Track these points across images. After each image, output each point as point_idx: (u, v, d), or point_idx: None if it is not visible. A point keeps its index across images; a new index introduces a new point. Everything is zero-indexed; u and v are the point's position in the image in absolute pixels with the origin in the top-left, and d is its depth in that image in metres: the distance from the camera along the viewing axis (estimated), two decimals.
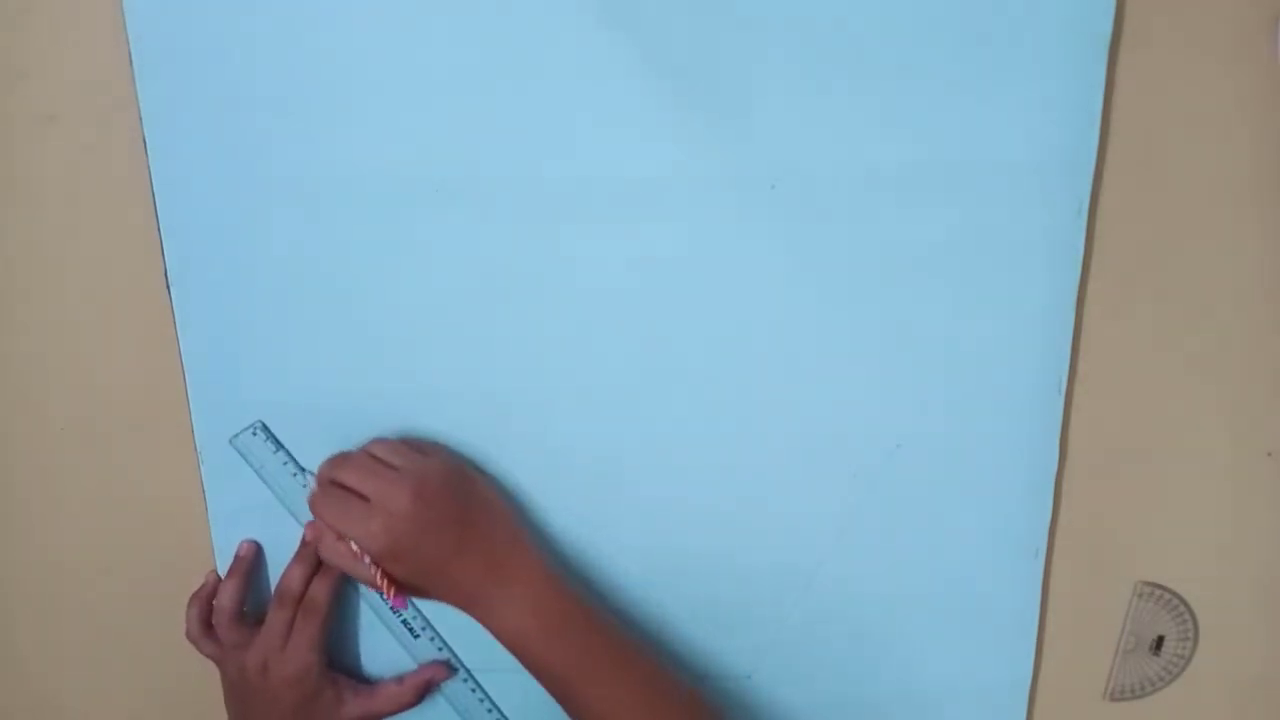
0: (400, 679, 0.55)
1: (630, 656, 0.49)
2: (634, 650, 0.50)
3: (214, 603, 0.53)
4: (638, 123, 0.47)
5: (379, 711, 0.54)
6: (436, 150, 0.48)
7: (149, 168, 0.49)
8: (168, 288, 0.51)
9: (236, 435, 0.52)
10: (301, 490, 0.53)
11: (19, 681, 0.60)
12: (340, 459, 0.49)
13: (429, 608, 0.55)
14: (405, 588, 0.48)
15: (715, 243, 0.49)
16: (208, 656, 0.53)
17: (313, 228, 0.49)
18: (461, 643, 0.56)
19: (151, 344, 0.52)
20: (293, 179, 0.49)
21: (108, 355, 0.53)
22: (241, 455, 0.53)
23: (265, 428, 0.53)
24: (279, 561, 0.54)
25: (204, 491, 0.54)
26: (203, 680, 0.55)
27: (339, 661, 0.55)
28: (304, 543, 0.53)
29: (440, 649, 0.55)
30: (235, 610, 0.53)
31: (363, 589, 0.55)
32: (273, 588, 0.53)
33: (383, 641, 0.56)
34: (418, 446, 0.50)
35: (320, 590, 0.52)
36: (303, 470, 0.53)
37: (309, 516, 0.53)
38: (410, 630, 0.55)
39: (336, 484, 0.48)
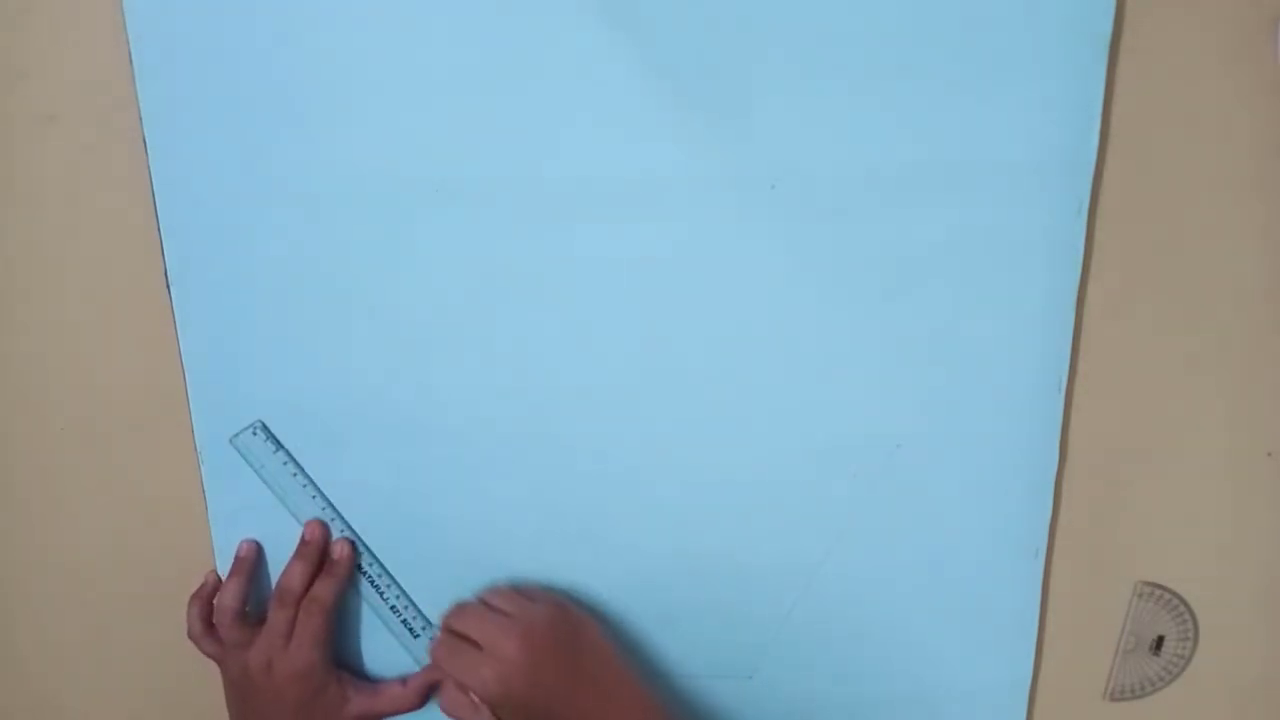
0: (404, 680, 0.55)
1: None
2: None
3: (216, 602, 0.53)
4: (638, 123, 0.47)
5: (382, 711, 0.54)
6: (436, 150, 0.48)
7: (149, 168, 0.49)
8: (168, 288, 0.51)
9: (236, 435, 0.52)
10: (301, 490, 0.53)
11: (19, 681, 0.60)
12: (458, 608, 0.51)
13: (428, 606, 0.55)
14: None
15: (715, 243, 0.49)
16: (209, 656, 0.53)
17: (313, 228, 0.49)
18: None
19: (151, 344, 0.52)
20: (293, 179, 0.49)
21: (108, 355, 0.53)
22: (241, 455, 0.53)
23: (265, 428, 0.53)
24: (279, 561, 0.54)
25: (204, 491, 0.54)
26: (203, 680, 0.55)
27: (339, 661, 0.55)
28: (303, 541, 0.53)
29: None
30: (238, 609, 0.53)
31: (362, 588, 0.55)
32: (272, 587, 0.54)
33: (383, 641, 0.56)
34: (529, 593, 0.52)
35: (323, 589, 0.52)
36: (302, 470, 0.53)
37: (309, 516, 0.53)
38: (410, 630, 0.55)
39: (454, 632, 0.50)
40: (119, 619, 0.58)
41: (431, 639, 0.51)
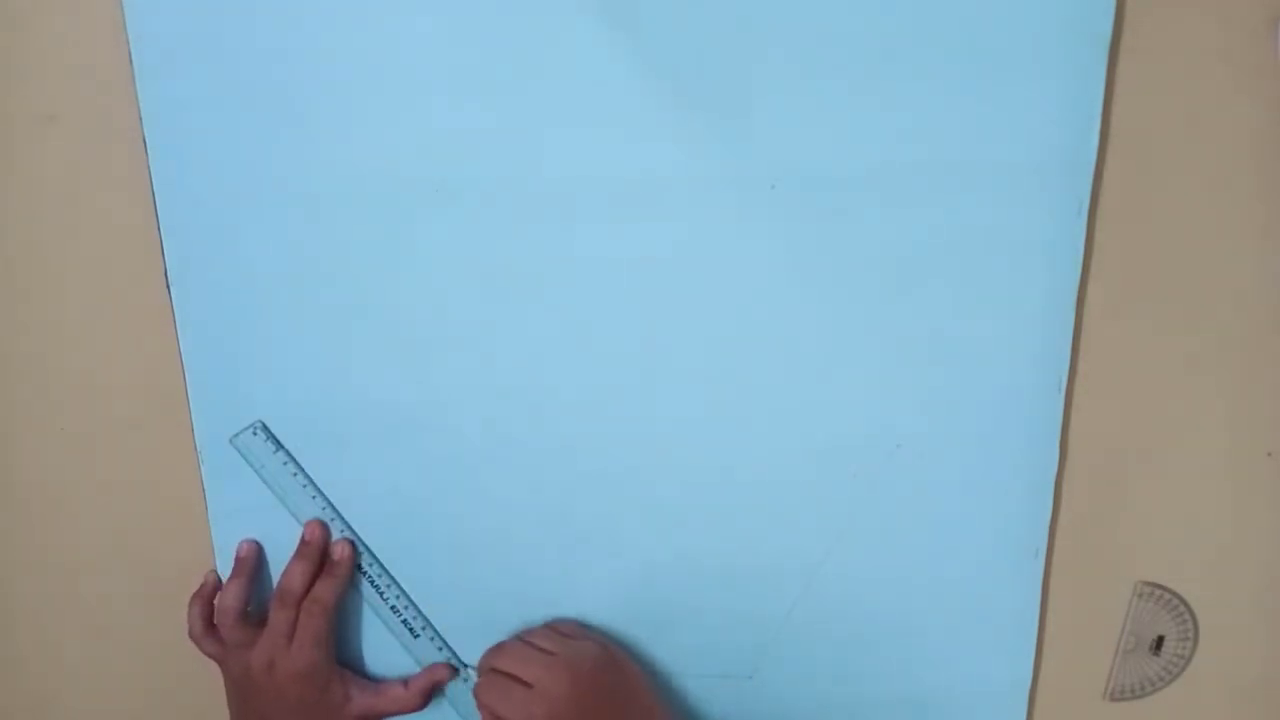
0: (405, 682, 0.55)
1: None
2: None
3: (217, 603, 0.53)
4: (638, 123, 0.47)
5: (384, 711, 0.54)
6: (436, 150, 0.48)
7: (149, 168, 0.49)
8: (168, 288, 0.51)
9: (236, 435, 0.52)
10: (301, 490, 0.53)
11: (19, 681, 0.60)
12: (497, 648, 0.52)
13: (428, 606, 0.55)
14: None
15: (715, 243, 0.49)
16: (210, 656, 0.53)
17: (313, 227, 0.49)
18: (461, 643, 0.56)
19: (151, 344, 0.52)
20: (293, 179, 0.49)
21: (108, 355, 0.53)
22: (241, 455, 0.53)
23: (265, 428, 0.53)
24: (279, 561, 0.54)
25: (204, 491, 0.54)
26: (203, 680, 0.55)
27: (339, 660, 0.55)
28: (304, 541, 0.53)
29: (440, 649, 0.55)
30: (239, 609, 0.53)
31: (363, 588, 0.55)
32: (273, 587, 0.54)
33: (383, 641, 0.56)
34: (565, 630, 0.53)
35: (324, 589, 0.52)
36: (302, 470, 0.53)
37: (309, 516, 0.53)
38: (410, 630, 0.55)
39: (497, 671, 0.50)
40: (119, 619, 0.58)
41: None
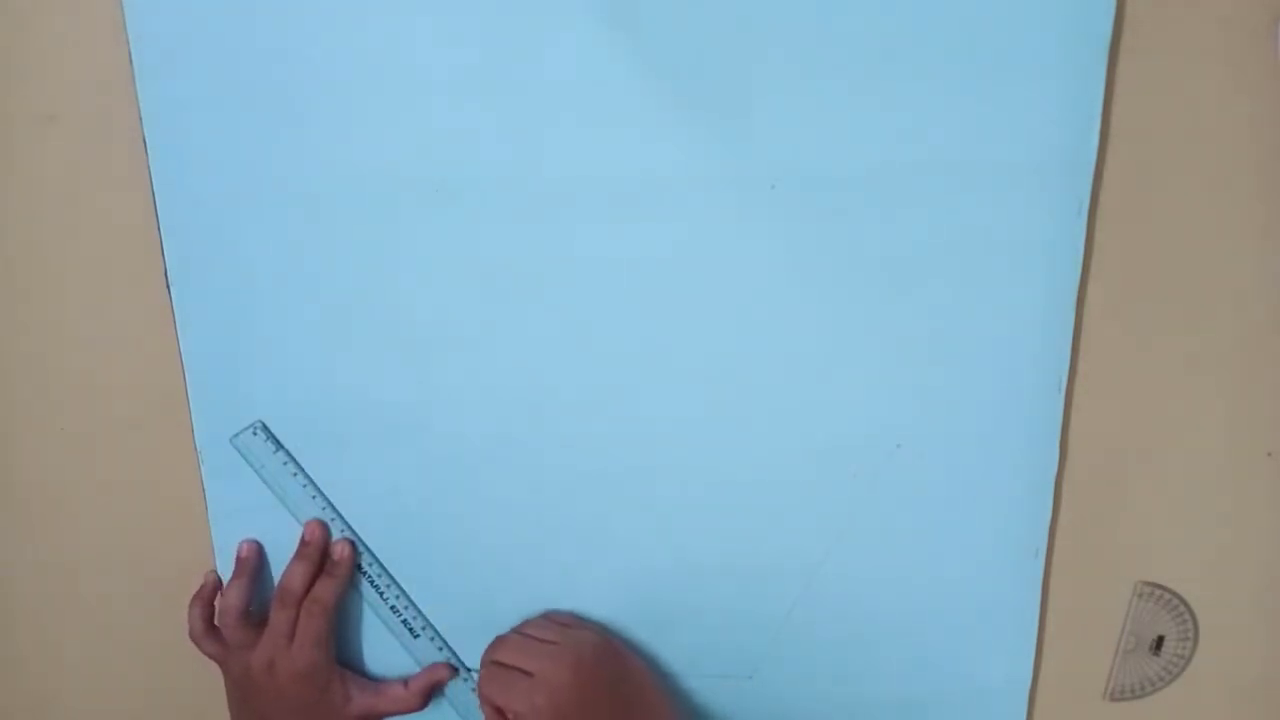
0: (406, 682, 0.55)
1: None
2: None
3: (219, 603, 0.53)
4: (638, 123, 0.47)
5: (384, 711, 0.54)
6: (436, 150, 0.48)
7: (149, 168, 0.49)
8: (168, 288, 0.51)
9: (236, 435, 0.52)
10: (301, 490, 0.53)
11: (19, 681, 0.60)
12: (498, 642, 0.51)
13: (428, 606, 0.55)
14: None
15: (715, 243, 0.49)
16: (210, 657, 0.53)
17: (312, 227, 0.49)
18: (461, 642, 0.56)
19: (151, 344, 0.52)
20: (292, 179, 0.49)
21: (108, 355, 0.53)
22: (241, 455, 0.53)
23: (265, 428, 0.53)
24: (280, 561, 0.54)
25: (204, 491, 0.54)
26: (203, 680, 0.55)
27: (340, 660, 0.55)
28: (304, 542, 0.53)
29: (440, 649, 0.55)
30: (241, 609, 0.53)
31: (363, 588, 0.55)
32: (272, 587, 0.54)
33: (383, 641, 0.56)
34: (564, 621, 0.53)
35: (324, 589, 0.52)
36: (302, 470, 0.53)
37: (309, 516, 0.53)
38: (410, 630, 0.55)
39: (497, 664, 0.50)
40: (119, 619, 0.58)
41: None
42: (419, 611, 0.55)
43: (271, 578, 0.55)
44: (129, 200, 0.50)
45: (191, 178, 0.49)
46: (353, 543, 0.54)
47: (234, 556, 0.54)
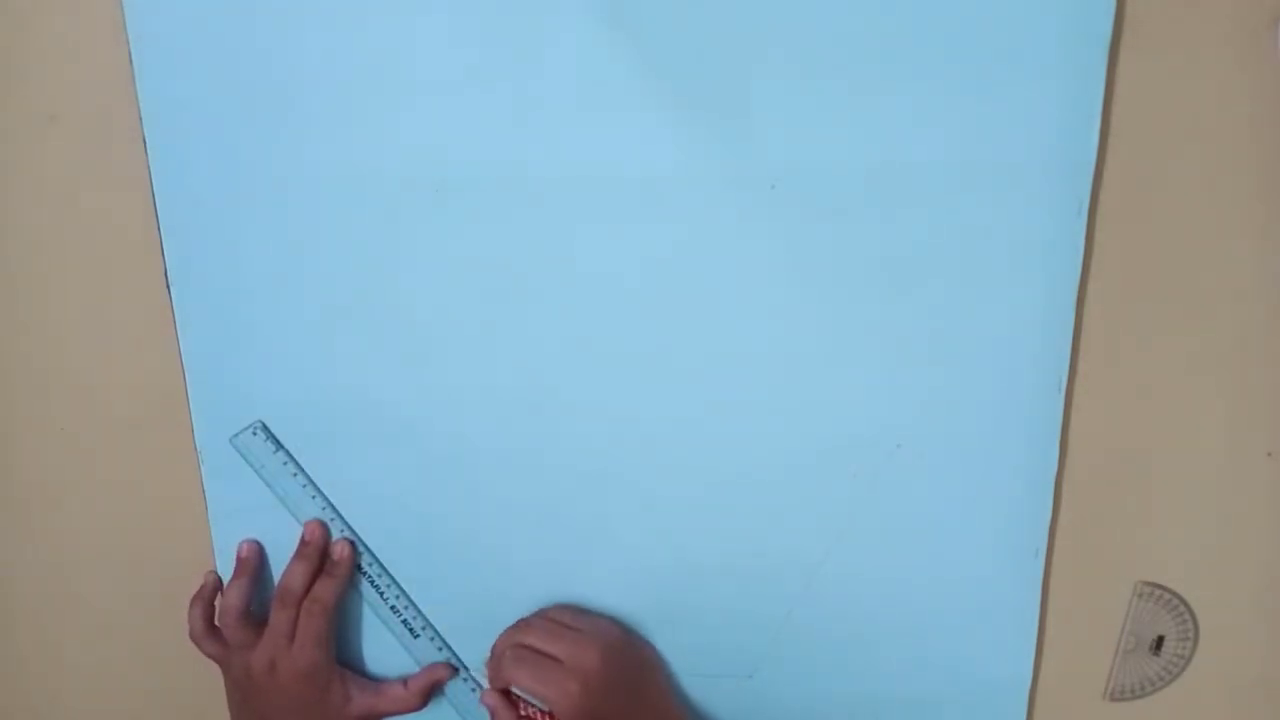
0: (405, 682, 0.55)
1: None
2: None
3: (220, 602, 0.53)
4: (638, 123, 0.47)
5: (385, 711, 0.54)
6: (436, 150, 0.48)
7: (149, 168, 0.49)
8: (168, 288, 0.51)
9: (236, 435, 0.52)
10: (301, 490, 0.53)
11: (19, 681, 0.60)
12: (523, 624, 0.52)
13: (428, 606, 0.55)
14: None
15: (715, 243, 0.49)
16: (211, 657, 0.53)
17: (312, 227, 0.49)
18: (461, 642, 0.56)
19: (151, 344, 0.52)
20: (293, 179, 0.49)
21: (108, 355, 0.53)
22: (241, 455, 0.53)
23: (265, 428, 0.53)
24: (280, 561, 0.54)
25: (204, 491, 0.54)
26: (203, 680, 0.55)
27: (340, 660, 0.55)
28: (304, 542, 0.53)
29: (440, 649, 0.55)
30: (242, 609, 0.53)
31: (363, 588, 0.55)
32: (272, 587, 0.54)
33: (383, 641, 0.56)
34: (583, 610, 0.53)
35: (324, 589, 0.52)
36: (302, 470, 0.53)
37: (309, 516, 0.53)
38: (410, 630, 0.55)
39: (524, 647, 0.50)
40: (119, 619, 0.58)
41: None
42: (419, 611, 0.55)
43: (272, 578, 0.55)
44: (129, 200, 0.50)
45: (191, 178, 0.49)
46: (352, 543, 0.54)
47: (234, 556, 0.54)
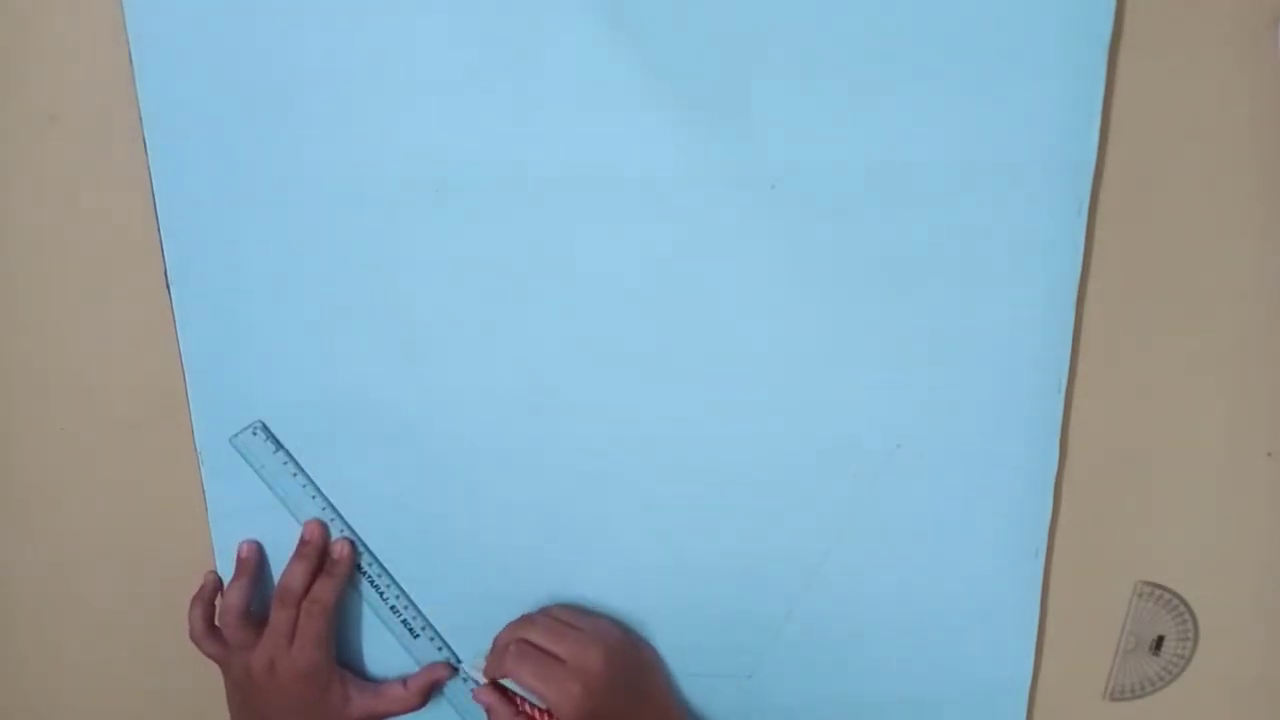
0: (405, 682, 0.55)
1: None
2: None
3: (221, 602, 0.53)
4: (638, 123, 0.47)
5: (384, 711, 0.54)
6: (436, 150, 0.48)
7: (149, 168, 0.49)
8: (168, 288, 0.51)
9: (236, 435, 0.52)
10: (301, 490, 0.53)
11: (19, 681, 0.60)
12: (526, 621, 0.52)
13: (428, 606, 0.55)
14: None
15: (715, 243, 0.49)
16: (211, 658, 0.53)
17: (312, 227, 0.49)
18: (461, 642, 0.56)
19: (151, 344, 0.52)
20: (293, 179, 0.49)
21: (108, 355, 0.53)
22: (241, 455, 0.53)
23: (265, 428, 0.53)
24: (280, 561, 0.54)
25: (204, 491, 0.54)
26: (203, 680, 0.55)
27: (339, 661, 0.55)
28: (303, 541, 0.53)
29: (440, 649, 0.55)
30: (243, 609, 0.53)
31: (362, 588, 0.55)
32: (272, 587, 0.54)
33: (383, 641, 0.56)
34: (585, 611, 0.53)
35: (324, 589, 0.52)
36: (302, 470, 0.53)
37: (309, 516, 0.53)
38: (410, 630, 0.55)
39: (527, 643, 0.50)
40: (119, 619, 0.58)
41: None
42: (419, 612, 0.55)
43: (272, 578, 0.55)
44: (129, 200, 0.50)
45: (191, 178, 0.49)
46: (352, 542, 0.54)
47: (234, 557, 0.54)
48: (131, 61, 0.47)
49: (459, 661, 0.56)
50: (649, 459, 0.52)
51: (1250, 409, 0.51)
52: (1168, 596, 0.54)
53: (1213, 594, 0.54)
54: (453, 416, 0.52)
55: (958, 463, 0.51)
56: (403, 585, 0.55)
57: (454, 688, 0.56)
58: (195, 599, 0.54)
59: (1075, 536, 0.53)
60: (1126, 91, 0.46)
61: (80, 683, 0.60)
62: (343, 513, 0.54)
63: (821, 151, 0.47)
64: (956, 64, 0.45)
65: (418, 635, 0.55)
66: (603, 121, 0.47)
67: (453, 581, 0.55)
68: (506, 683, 0.51)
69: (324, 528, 0.53)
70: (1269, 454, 0.52)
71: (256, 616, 0.53)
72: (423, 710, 0.55)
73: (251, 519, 0.54)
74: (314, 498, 0.53)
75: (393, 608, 0.55)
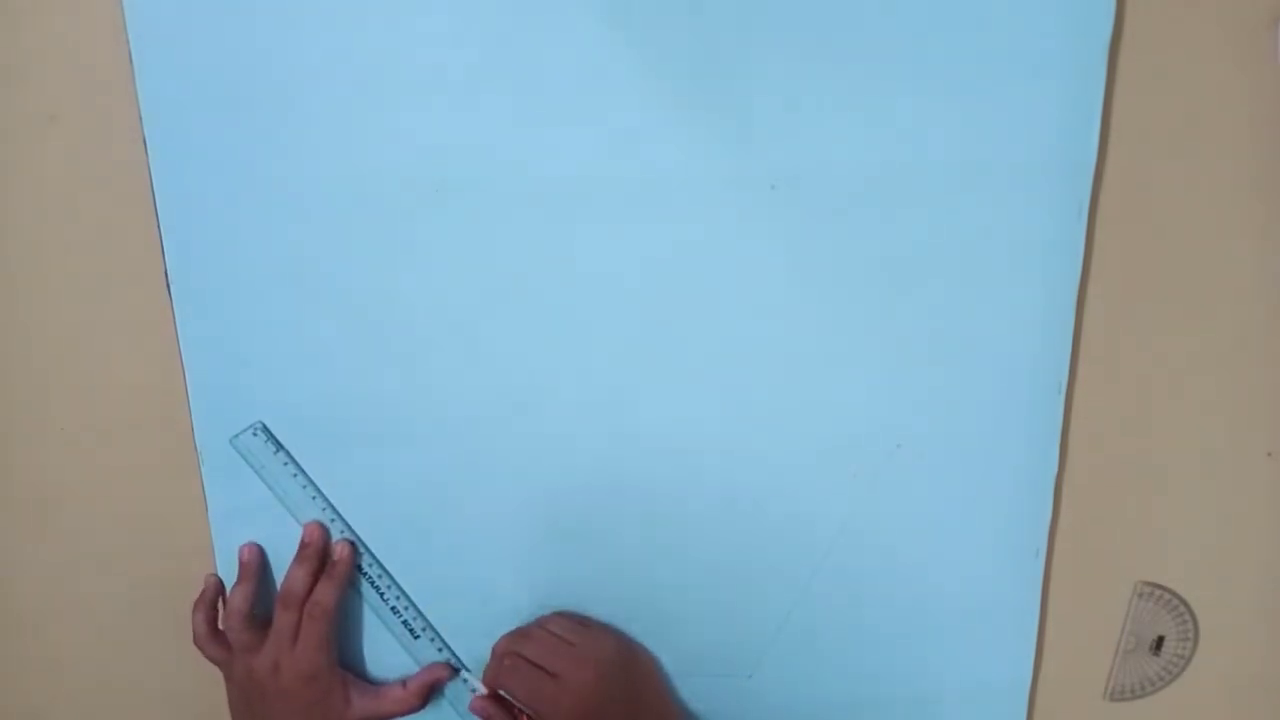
0: (405, 683, 0.55)
1: None
2: None
3: (225, 605, 0.53)
4: (638, 123, 0.47)
5: (385, 713, 0.54)
6: (436, 150, 0.48)
7: (149, 168, 0.49)
8: (168, 288, 0.51)
9: (237, 435, 0.52)
10: (302, 491, 0.53)
11: (19, 681, 0.60)
12: (520, 635, 0.52)
13: (427, 606, 0.55)
14: None
15: (715, 243, 0.49)
16: (213, 661, 0.53)
17: (313, 227, 0.49)
18: (461, 642, 0.56)
19: (151, 344, 0.52)
20: (293, 179, 0.49)
21: (108, 355, 0.53)
22: (241, 455, 0.53)
23: (265, 428, 0.53)
24: (280, 562, 0.54)
25: (204, 491, 0.54)
26: (203, 681, 0.55)
27: (340, 662, 0.55)
28: (303, 544, 0.53)
29: (440, 649, 0.55)
30: (246, 612, 0.53)
31: (363, 588, 0.55)
32: (273, 588, 0.54)
33: (383, 642, 0.56)
34: (583, 622, 0.53)
35: (324, 591, 0.52)
36: (303, 471, 0.53)
37: (309, 517, 0.53)
38: (410, 631, 0.55)
39: (521, 658, 0.50)
40: (119, 619, 0.58)
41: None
42: (419, 612, 0.55)
43: (273, 579, 0.55)
44: (129, 200, 0.50)
45: (191, 178, 0.49)
46: (352, 543, 0.54)
47: (234, 557, 0.54)
48: (131, 61, 0.47)
49: (459, 662, 0.56)
50: (649, 459, 0.52)
51: (1250, 409, 0.51)
52: (1168, 596, 0.54)
53: (1213, 594, 0.54)
54: (453, 417, 0.52)
55: (958, 463, 0.51)
56: (403, 586, 0.55)
57: (453, 689, 0.56)
58: (197, 603, 0.54)
59: (1075, 537, 0.53)
60: (1126, 91, 0.46)
61: (80, 683, 0.60)
62: (343, 514, 0.54)
63: (822, 152, 0.47)
64: (957, 64, 0.45)
65: (418, 636, 0.55)
66: (603, 122, 0.47)
67: (453, 582, 0.55)
68: (506, 693, 0.51)
69: (324, 530, 0.53)
70: (1269, 454, 0.52)
71: (259, 619, 0.53)
72: (422, 711, 0.55)
73: (252, 520, 0.54)
74: (314, 498, 0.53)
75: (393, 608, 0.55)
